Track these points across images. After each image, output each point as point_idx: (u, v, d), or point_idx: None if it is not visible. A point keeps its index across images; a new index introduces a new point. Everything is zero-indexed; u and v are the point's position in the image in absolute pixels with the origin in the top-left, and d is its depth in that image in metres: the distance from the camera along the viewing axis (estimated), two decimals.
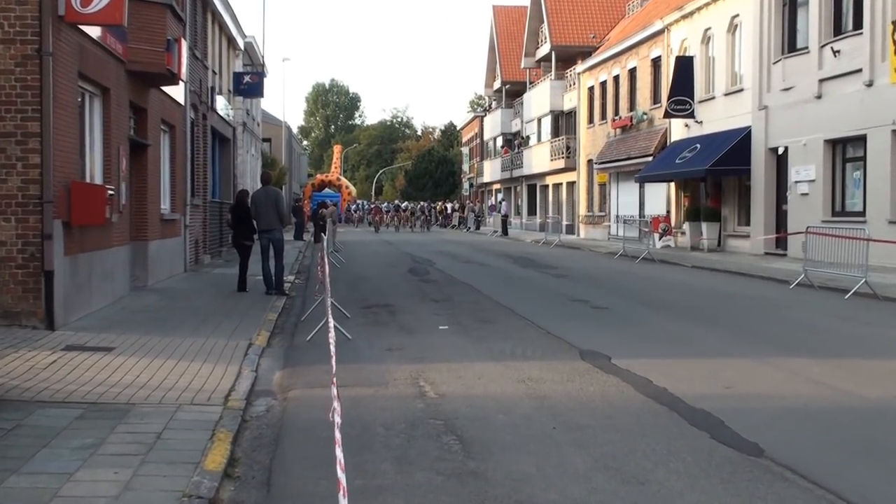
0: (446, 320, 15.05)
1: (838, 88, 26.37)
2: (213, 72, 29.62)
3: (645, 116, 41.23)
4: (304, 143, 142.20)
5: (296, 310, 16.96)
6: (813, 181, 27.50)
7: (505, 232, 54.53)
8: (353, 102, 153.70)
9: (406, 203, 79.20)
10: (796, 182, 28.40)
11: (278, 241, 18.40)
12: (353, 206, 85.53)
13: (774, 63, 29.80)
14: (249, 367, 10.48)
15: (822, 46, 27.10)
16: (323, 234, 20.36)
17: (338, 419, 5.33)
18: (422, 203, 77.70)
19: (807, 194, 27.79)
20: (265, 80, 38.93)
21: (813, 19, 27.66)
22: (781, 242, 29.30)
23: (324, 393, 8.45)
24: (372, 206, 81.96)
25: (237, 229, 18.91)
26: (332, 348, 7.03)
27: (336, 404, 5.50)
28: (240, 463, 7.06)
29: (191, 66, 23.89)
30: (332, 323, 8.36)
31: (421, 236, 52.25)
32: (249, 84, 35.13)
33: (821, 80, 27.10)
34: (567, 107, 54.36)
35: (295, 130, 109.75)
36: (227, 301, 16.99)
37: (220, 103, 30.71)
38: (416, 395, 9.28)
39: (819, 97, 27.19)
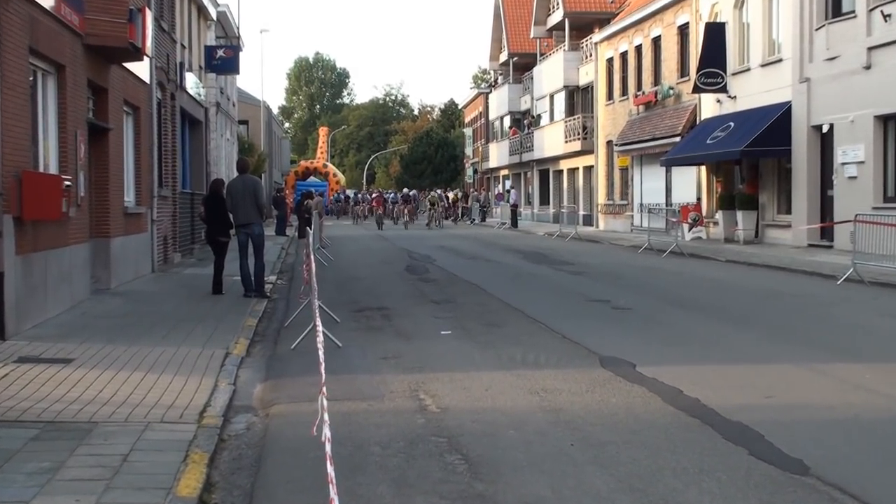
0: (448, 324, 15.05)
1: (890, 57, 26.33)
2: (183, 46, 29.61)
3: (671, 91, 41.21)
4: (286, 125, 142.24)
5: (278, 314, 16.96)
6: (862, 163, 27.48)
7: (514, 224, 54.57)
8: (340, 79, 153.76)
9: (413, 191, 72.54)
10: (843, 164, 28.37)
11: (258, 237, 18.40)
12: (346, 196, 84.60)
13: (817, 29, 29.76)
14: (227, 380, 10.48)
15: (871, 10, 27.06)
16: (308, 229, 20.36)
17: (327, 432, 5.34)
18: (437, 191, 71.52)
19: (855, 178, 27.77)
20: (241, 54, 38.92)
21: None
22: (827, 233, 29.28)
23: (311, 408, 8.45)
24: (373, 195, 75.15)
25: (211, 224, 18.91)
26: (321, 356, 7.03)
27: (325, 418, 5.51)
28: (217, 488, 7.07)
29: (157, 40, 23.88)
30: (320, 328, 8.36)
31: (420, 230, 52.22)
32: (223, 59, 35.12)
33: (870, 49, 27.05)
34: (583, 81, 54.31)
35: (275, 111, 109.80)
36: (201, 305, 16.99)
37: (191, 81, 30.70)
38: (415, 410, 9.28)
39: (868, 67, 27.16)
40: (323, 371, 6.72)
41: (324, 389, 6.11)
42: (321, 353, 7.13)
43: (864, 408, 9.19)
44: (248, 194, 18.11)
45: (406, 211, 60.84)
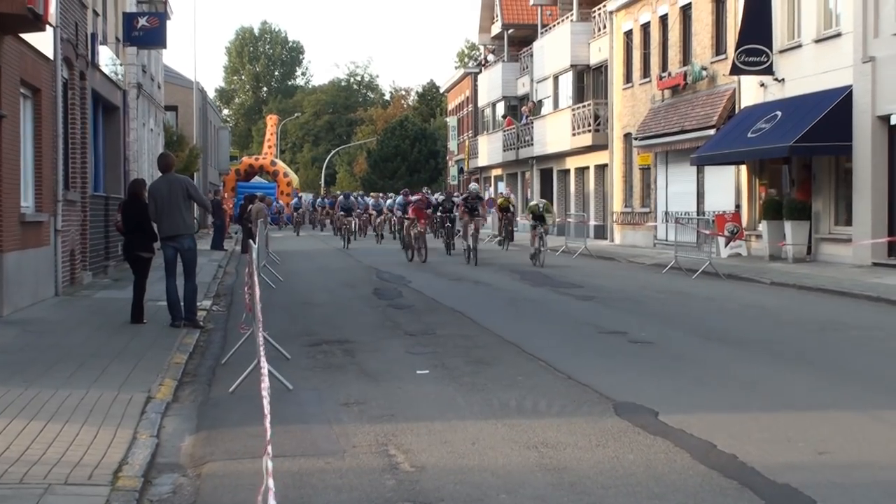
0: (426, 362, 15.05)
1: None
2: (96, 13, 29.60)
3: (704, 73, 41.39)
4: (225, 112, 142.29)
5: (214, 349, 16.93)
6: None
7: (509, 236, 54.59)
8: (293, 55, 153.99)
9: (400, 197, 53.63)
10: None
11: (188, 252, 18.36)
12: (309, 201, 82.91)
13: None
14: (148, 431, 10.45)
15: None
16: (252, 242, 20.35)
17: (272, 502, 5.33)
18: (437, 195, 56.28)
19: None
20: (169, 23, 38.88)
21: None
22: None
23: (253, 466, 8.43)
24: (410, 198, 61.85)
25: (130, 236, 18.85)
26: (266, 403, 7.01)
27: (269, 485, 5.50)
28: None
29: (63, 5, 23.87)
30: (265, 367, 8.34)
31: (388, 243, 52.10)
32: (146, 30, 35.06)
33: None
34: (595, 60, 54.50)
35: (212, 95, 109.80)
36: (117, 337, 16.94)
37: (106, 57, 30.66)
38: (384, 469, 9.27)
39: None
40: (268, 424, 6.69)
41: (269, 448, 6.10)
42: (266, 398, 7.12)
43: None
44: (176, 198, 18.06)
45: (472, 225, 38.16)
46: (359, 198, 65.77)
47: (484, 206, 42.70)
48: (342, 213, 54.75)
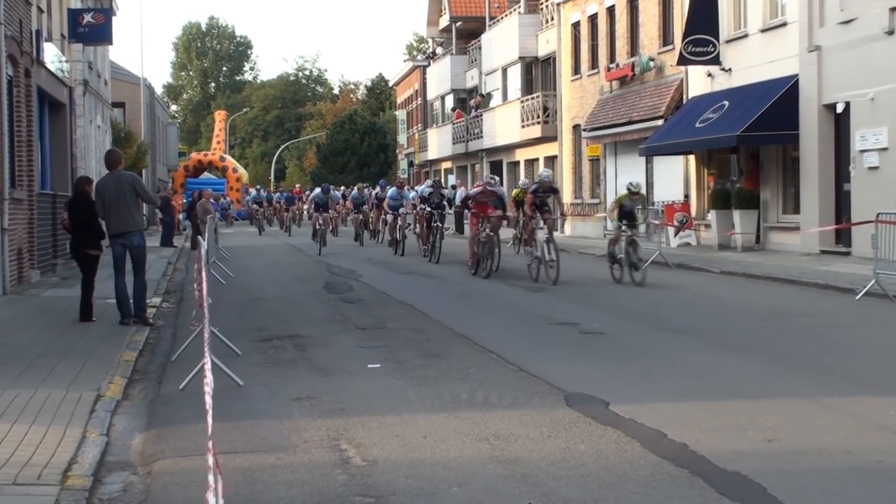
0: (377, 356, 15.04)
1: None
2: (40, 9, 29.37)
3: (652, 64, 41.52)
4: (173, 108, 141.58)
5: (164, 346, 16.86)
6: (885, 150, 27.82)
7: (459, 229, 54.60)
8: (241, 50, 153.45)
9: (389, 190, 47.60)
10: (862, 151, 28.72)
11: (138, 249, 18.24)
12: (265, 196, 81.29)
13: None
14: (98, 429, 10.39)
15: None
16: (201, 238, 20.28)
17: (211, 499, 5.30)
18: (423, 186, 44.65)
19: (877, 168, 28.11)
20: (115, 19, 38.65)
21: None
22: (843, 236, 29.61)
23: (204, 463, 8.40)
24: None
25: (78, 233, 18.74)
26: (208, 399, 6.96)
27: (214, 486, 5.47)
28: None
29: (6, 2, 23.67)
30: (209, 363, 8.32)
31: (344, 238, 51.95)
32: (92, 26, 34.83)
33: (893, 9, 27.38)
34: (543, 52, 54.58)
35: (159, 91, 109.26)
36: (66, 335, 16.83)
37: (51, 54, 30.44)
38: (335, 463, 9.26)
39: (891, 32, 27.49)
40: (210, 418, 6.63)
41: (210, 444, 6.05)
42: (209, 394, 7.06)
43: (888, 452, 9.30)
44: (124, 195, 17.94)
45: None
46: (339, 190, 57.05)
47: (559, 199, 30.77)
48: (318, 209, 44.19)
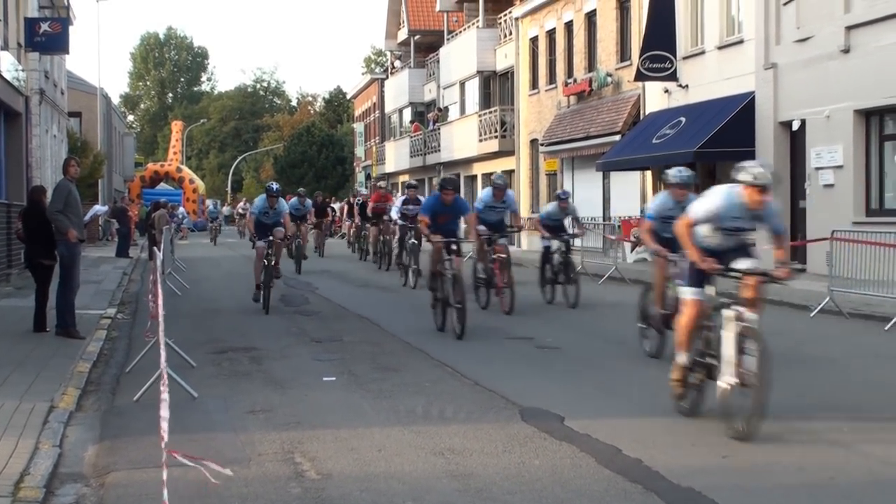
0: (333, 369, 15.02)
1: (873, 39, 26.86)
2: None
3: (609, 79, 41.67)
4: (130, 118, 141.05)
5: (118, 357, 16.78)
6: (840, 167, 28.00)
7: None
8: (198, 61, 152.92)
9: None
10: (817, 169, 28.89)
11: (63, 258, 17.99)
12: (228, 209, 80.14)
13: (785, 4, 30.30)
14: (50, 441, 10.34)
15: None
16: (157, 249, 20.19)
17: None
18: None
19: (832, 186, 28.29)
20: (72, 28, 38.47)
21: None
22: (798, 253, 29.75)
23: (157, 475, 8.37)
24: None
25: (31, 243, 18.63)
26: (164, 411, 6.95)
27: (165, 494, 5.46)
28: None
29: None
30: (165, 374, 8.28)
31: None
32: (49, 35, 34.68)
33: (849, 28, 27.58)
34: (501, 66, 54.68)
35: (116, 101, 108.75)
36: (20, 346, 16.73)
37: (7, 62, 30.27)
38: (289, 477, 9.25)
39: (846, 51, 27.71)
40: (164, 429, 6.63)
41: (164, 456, 6.05)
42: (164, 405, 7.06)
43: (840, 470, 9.37)
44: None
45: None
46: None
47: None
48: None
